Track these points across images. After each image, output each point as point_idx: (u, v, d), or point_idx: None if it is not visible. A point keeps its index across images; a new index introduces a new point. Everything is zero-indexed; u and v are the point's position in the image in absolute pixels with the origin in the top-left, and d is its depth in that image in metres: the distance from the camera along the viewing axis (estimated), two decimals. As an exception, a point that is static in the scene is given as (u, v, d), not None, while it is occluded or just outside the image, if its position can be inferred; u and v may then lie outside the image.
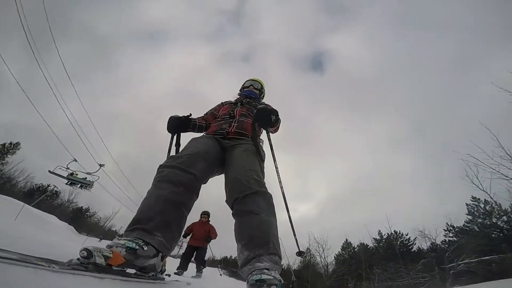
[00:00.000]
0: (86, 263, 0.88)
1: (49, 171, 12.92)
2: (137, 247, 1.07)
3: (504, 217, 15.78)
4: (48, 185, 26.48)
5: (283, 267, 1.40)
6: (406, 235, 21.36)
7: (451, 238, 18.38)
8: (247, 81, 2.58)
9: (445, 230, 18.89)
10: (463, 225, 18.47)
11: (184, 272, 5.58)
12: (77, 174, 13.26)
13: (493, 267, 12.00)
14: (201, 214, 6.47)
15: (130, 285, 1.03)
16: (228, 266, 22.62)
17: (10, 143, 26.64)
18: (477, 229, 17.12)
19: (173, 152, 1.89)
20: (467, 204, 18.39)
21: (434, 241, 18.06)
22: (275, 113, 1.76)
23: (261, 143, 1.97)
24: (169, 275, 1.75)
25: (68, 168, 12.99)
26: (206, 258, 6.53)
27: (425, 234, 17.95)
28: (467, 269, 13.15)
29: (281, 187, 1.86)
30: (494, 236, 15.59)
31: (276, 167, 1.86)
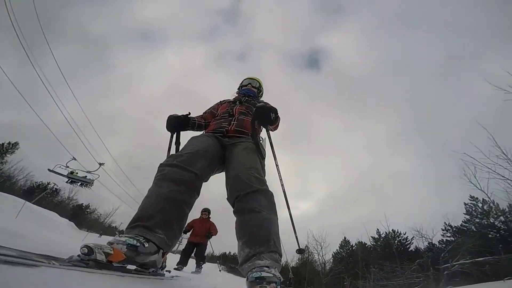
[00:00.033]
0: (87, 259, 0.88)
1: (49, 169, 12.95)
2: (138, 244, 1.07)
3: (502, 217, 15.81)
4: (48, 183, 26.55)
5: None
6: (404, 234, 21.46)
7: (448, 238, 18.44)
8: (245, 79, 2.57)
9: (443, 230, 18.96)
10: (461, 225, 18.52)
11: (184, 267, 5.61)
12: (77, 173, 13.29)
13: (486, 268, 11.99)
14: (202, 211, 6.50)
15: (130, 281, 1.03)
16: (227, 262, 22.74)
17: (9, 143, 26.68)
18: (474, 229, 17.13)
19: (173, 151, 1.89)
20: (465, 204, 18.41)
21: (430, 241, 18.09)
22: (275, 111, 1.76)
23: (261, 141, 1.96)
24: (169, 271, 1.76)
25: (67, 167, 13.02)
26: (205, 254, 6.57)
27: (422, 234, 17.95)
28: (461, 270, 13.14)
29: (282, 185, 1.86)
30: (491, 236, 15.61)
31: (277, 165, 1.86)
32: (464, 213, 18.40)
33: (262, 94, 2.59)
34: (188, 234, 6.29)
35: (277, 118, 1.82)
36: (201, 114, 2.22)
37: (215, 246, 6.87)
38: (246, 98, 2.26)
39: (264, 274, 1.07)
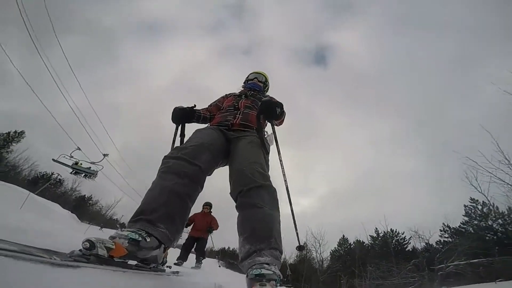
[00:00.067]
0: (88, 254, 0.87)
1: (53, 159, 13.03)
2: (140, 239, 1.06)
3: (500, 220, 15.82)
4: (52, 174, 26.73)
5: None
6: (402, 233, 21.53)
7: (446, 239, 18.51)
8: (251, 73, 2.55)
9: (441, 231, 19.04)
10: (459, 226, 18.58)
11: (184, 263, 5.63)
12: (81, 164, 13.35)
13: (480, 270, 12.10)
14: (203, 205, 6.48)
15: (131, 277, 1.03)
16: (226, 257, 22.90)
17: (15, 132, 26.86)
18: (472, 231, 17.20)
19: (177, 143, 1.89)
20: (465, 206, 18.45)
21: (427, 242, 18.14)
22: (280, 105, 1.74)
23: (266, 136, 1.95)
24: (170, 267, 1.76)
25: (72, 157, 13.08)
26: (205, 248, 6.58)
27: (419, 235, 18.00)
28: (456, 271, 13.26)
29: (285, 181, 1.85)
30: (488, 238, 15.67)
31: (281, 160, 1.85)
32: (463, 215, 18.49)
33: (268, 88, 2.58)
34: (189, 228, 6.28)
35: (282, 113, 1.81)
36: (206, 106, 2.21)
37: (215, 241, 6.88)
38: (252, 92, 2.25)
39: (264, 271, 1.06)
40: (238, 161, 1.60)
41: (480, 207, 17.55)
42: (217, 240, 7.02)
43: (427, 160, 46.27)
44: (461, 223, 18.50)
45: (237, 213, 1.43)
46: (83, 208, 28.67)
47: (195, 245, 6.19)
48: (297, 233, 2.15)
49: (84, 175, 14.00)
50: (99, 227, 15.87)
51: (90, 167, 13.77)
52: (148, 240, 1.10)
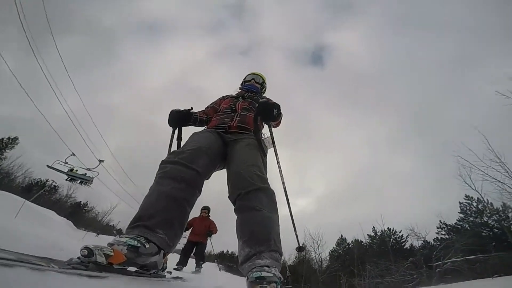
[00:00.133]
0: (87, 262, 0.86)
1: (48, 165, 12.86)
2: (139, 245, 1.05)
3: (495, 216, 16.03)
4: (47, 180, 26.42)
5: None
6: (400, 232, 21.70)
7: (443, 236, 18.72)
8: (248, 75, 2.55)
9: (438, 228, 19.26)
10: (455, 223, 18.81)
11: (184, 267, 5.58)
12: (77, 170, 13.20)
13: (477, 266, 12.25)
14: (202, 209, 6.44)
15: (131, 283, 1.02)
16: (225, 260, 22.75)
17: (9, 138, 26.46)
18: (468, 228, 17.44)
19: (174, 146, 1.87)
20: (460, 203, 18.70)
21: (424, 239, 18.33)
22: (277, 107, 1.74)
23: (265, 138, 1.95)
24: (170, 273, 1.74)
25: (66, 163, 12.92)
26: (204, 252, 6.54)
27: (415, 233, 18.17)
28: (453, 267, 13.44)
29: (283, 182, 1.84)
30: (484, 234, 15.88)
31: (278, 162, 1.84)
32: (458, 212, 18.74)
33: (265, 90, 2.58)
34: (187, 233, 6.23)
35: (279, 115, 1.81)
36: (203, 109, 2.20)
37: (214, 244, 6.84)
38: (249, 93, 2.25)
39: (264, 273, 1.06)
40: (236, 164, 1.59)
41: (475, 204, 17.85)
42: (215, 243, 6.96)
43: (424, 159, 46.77)
44: (457, 220, 18.80)
45: (236, 217, 1.42)
46: (78, 214, 28.26)
47: (194, 249, 6.15)
48: (296, 234, 2.15)
49: (79, 182, 13.84)
50: (95, 234, 15.68)
51: (85, 174, 13.62)
52: (147, 246, 1.09)
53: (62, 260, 0.86)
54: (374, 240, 22.48)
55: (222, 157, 1.75)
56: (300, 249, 2.38)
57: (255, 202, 1.37)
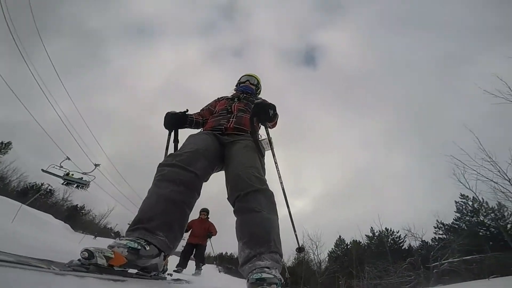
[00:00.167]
0: (87, 264, 0.86)
1: (43, 170, 12.76)
2: (139, 247, 1.04)
3: (491, 215, 16.07)
4: (42, 184, 26.22)
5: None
6: (397, 232, 21.66)
7: (441, 236, 18.66)
8: (243, 76, 2.55)
9: (435, 228, 19.19)
10: (452, 223, 18.76)
11: (184, 270, 5.56)
12: (73, 174, 13.12)
13: (473, 266, 12.31)
14: (200, 211, 6.44)
15: (132, 285, 1.01)
16: (223, 262, 22.66)
17: (2, 143, 26.27)
18: (465, 227, 17.40)
19: (171, 149, 1.86)
20: (455, 202, 18.67)
21: (421, 239, 18.29)
22: (273, 107, 1.73)
23: (263, 139, 1.95)
24: (170, 275, 1.74)
25: (61, 167, 12.83)
26: (204, 254, 6.52)
27: (412, 233, 18.16)
28: (450, 268, 13.43)
29: (281, 183, 1.84)
30: (481, 234, 15.89)
31: (276, 162, 1.84)
32: (454, 211, 18.71)
33: (260, 91, 2.58)
34: (187, 235, 6.22)
35: (275, 115, 1.80)
36: (198, 111, 2.19)
37: (213, 246, 6.83)
38: (245, 95, 2.24)
39: (264, 275, 1.06)
40: (234, 166, 1.59)
41: (471, 203, 17.83)
42: (214, 245, 6.94)
43: (421, 158, 47.00)
44: (453, 219, 18.76)
45: (235, 218, 1.42)
46: (75, 218, 28.09)
47: (193, 251, 6.13)
48: (296, 235, 2.15)
49: (76, 186, 13.76)
50: (93, 236, 15.57)
51: (82, 178, 13.55)
52: (148, 248, 1.08)
53: (62, 262, 0.86)
54: (372, 241, 22.46)
55: (220, 159, 1.74)
56: (300, 249, 2.38)
57: (254, 203, 1.37)
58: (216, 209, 6.66)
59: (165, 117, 1.91)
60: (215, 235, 6.34)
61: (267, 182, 1.54)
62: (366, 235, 22.74)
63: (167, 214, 1.24)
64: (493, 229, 15.78)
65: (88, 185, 13.83)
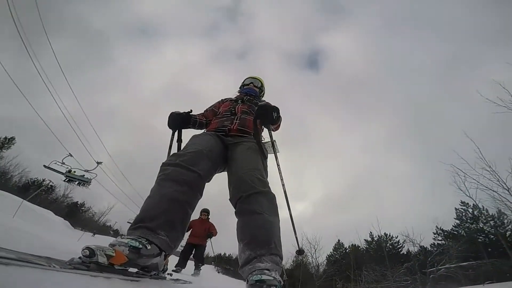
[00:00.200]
0: (88, 262, 0.86)
1: (44, 165, 12.82)
2: (140, 246, 1.04)
3: (491, 222, 16.13)
4: (44, 180, 26.34)
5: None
6: (396, 237, 21.72)
7: (440, 242, 18.71)
8: (247, 78, 2.55)
9: (434, 234, 19.27)
10: (451, 229, 18.86)
11: (183, 269, 5.56)
12: (75, 171, 13.16)
13: (470, 272, 12.34)
14: (201, 212, 6.46)
15: (132, 284, 1.01)
16: (222, 263, 22.65)
17: (5, 138, 26.44)
18: (464, 234, 17.47)
19: (174, 149, 1.86)
20: (456, 209, 18.81)
21: (419, 245, 18.28)
22: (277, 110, 1.74)
23: (268, 142, 1.94)
24: (170, 274, 1.73)
25: (63, 163, 12.88)
26: (203, 255, 6.52)
27: (410, 239, 18.11)
28: (447, 274, 13.48)
29: (283, 185, 1.84)
30: (480, 241, 15.94)
31: (278, 165, 1.84)
32: (454, 218, 18.82)
33: (263, 93, 2.58)
34: (186, 234, 6.22)
35: (279, 118, 1.80)
36: (202, 112, 2.19)
37: (210, 246, 6.83)
38: (248, 97, 2.24)
39: (264, 277, 1.05)
40: (237, 167, 1.59)
41: (471, 210, 17.93)
42: (213, 246, 6.93)
43: (421, 164, 46.91)
44: (453, 226, 18.86)
45: (236, 220, 1.42)
46: (75, 215, 28.19)
47: (193, 252, 6.12)
48: (296, 238, 2.14)
49: (77, 183, 13.80)
50: (92, 234, 15.60)
51: (83, 175, 13.58)
52: (149, 247, 1.08)
53: (63, 260, 0.85)
54: (371, 245, 22.47)
55: (223, 159, 1.74)
56: (300, 252, 2.38)
57: (255, 205, 1.37)
58: (216, 209, 6.66)
59: (169, 116, 1.93)
60: (215, 235, 6.34)
61: (269, 185, 1.54)
62: (365, 240, 22.83)
63: (170, 214, 1.23)
64: (492, 236, 15.83)
65: (90, 182, 13.86)
